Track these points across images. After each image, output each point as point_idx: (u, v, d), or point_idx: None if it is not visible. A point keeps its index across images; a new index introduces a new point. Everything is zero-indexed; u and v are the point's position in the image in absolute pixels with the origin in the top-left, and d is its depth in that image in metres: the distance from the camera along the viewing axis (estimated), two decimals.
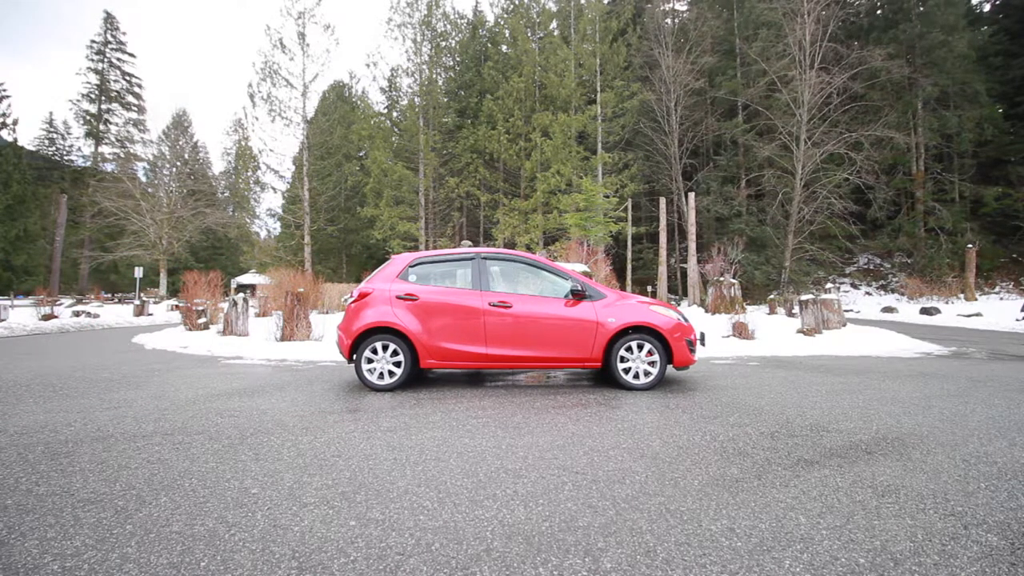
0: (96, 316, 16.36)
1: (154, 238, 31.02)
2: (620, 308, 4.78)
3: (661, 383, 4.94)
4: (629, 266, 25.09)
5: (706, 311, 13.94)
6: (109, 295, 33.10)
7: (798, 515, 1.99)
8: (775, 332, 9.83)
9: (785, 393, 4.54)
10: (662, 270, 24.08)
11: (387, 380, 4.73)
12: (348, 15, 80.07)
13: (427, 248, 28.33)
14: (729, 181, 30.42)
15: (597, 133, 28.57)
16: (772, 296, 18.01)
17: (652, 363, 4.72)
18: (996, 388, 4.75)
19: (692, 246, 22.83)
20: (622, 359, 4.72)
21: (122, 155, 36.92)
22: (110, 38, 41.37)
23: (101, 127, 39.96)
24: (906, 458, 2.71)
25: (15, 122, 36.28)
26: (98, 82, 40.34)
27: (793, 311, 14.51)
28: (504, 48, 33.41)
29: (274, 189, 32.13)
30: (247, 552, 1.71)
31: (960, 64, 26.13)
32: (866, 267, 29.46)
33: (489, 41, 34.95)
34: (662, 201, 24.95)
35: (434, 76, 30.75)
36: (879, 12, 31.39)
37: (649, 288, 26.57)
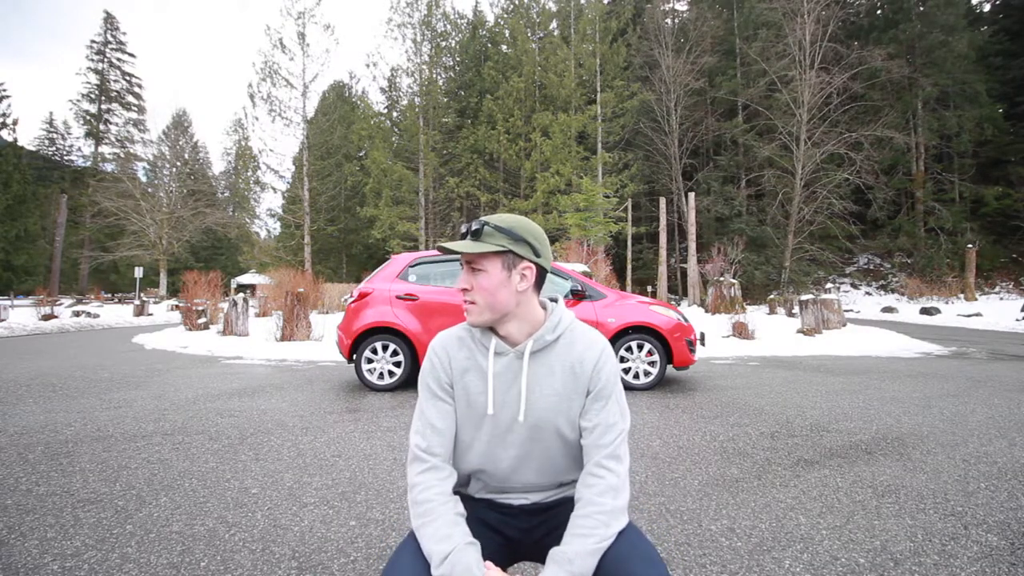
0: (96, 316, 16.36)
1: (154, 238, 31.01)
2: (620, 308, 4.78)
3: (661, 383, 4.94)
4: (629, 266, 25.08)
5: (706, 311, 13.94)
6: (109, 295, 33.08)
7: (798, 515, 1.99)
8: (775, 332, 9.83)
9: (785, 393, 4.54)
10: (662, 270, 24.07)
11: (387, 380, 4.73)
12: (348, 15, 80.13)
13: (427, 248, 28.32)
14: (729, 181, 30.40)
15: (597, 133, 28.56)
16: (772, 296, 18.00)
17: (652, 363, 4.72)
18: (996, 388, 4.75)
19: (692, 246, 22.82)
20: (622, 359, 4.72)
21: (122, 155, 36.90)
22: (110, 38, 41.40)
23: (101, 127, 39.98)
24: (906, 458, 2.71)
25: (15, 122, 36.33)
26: (98, 82, 40.36)
27: (793, 311, 14.51)
28: (504, 48, 33.37)
29: (274, 189, 32.06)
30: (247, 552, 1.71)
31: (960, 64, 26.12)
32: (866, 267, 29.45)
33: (489, 41, 34.93)
34: (662, 201, 24.94)
35: (434, 76, 30.72)
36: (879, 12, 31.39)
37: (649, 288, 26.55)
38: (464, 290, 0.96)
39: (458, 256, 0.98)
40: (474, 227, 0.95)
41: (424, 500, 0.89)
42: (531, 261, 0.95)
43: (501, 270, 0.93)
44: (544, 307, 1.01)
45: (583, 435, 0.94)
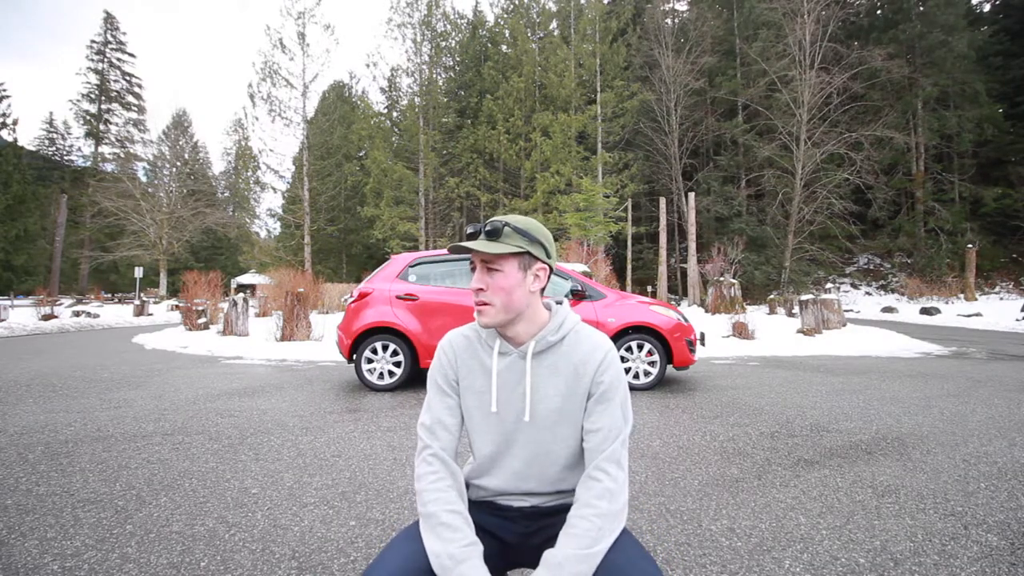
0: (96, 316, 16.36)
1: (154, 238, 31.03)
2: (620, 308, 4.78)
3: (661, 383, 4.94)
4: (629, 266, 25.08)
5: (706, 311, 13.94)
6: (109, 295, 33.08)
7: (798, 515, 1.99)
8: (775, 332, 9.82)
9: (785, 393, 4.54)
10: (662, 270, 24.06)
11: (387, 380, 4.73)
12: (348, 15, 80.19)
13: (427, 248, 28.31)
14: (729, 181, 30.40)
15: (597, 133, 28.56)
16: (772, 296, 18.00)
17: (652, 363, 4.72)
18: (996, 388, 4.75)
19: (692, 246, 22.82)
20: (622, 359, 4.72)
21: (122, 155, 36.92)
22: (110, 38, 41.37)
23: (101, 127, 39.95)
24: (906, 458, 2.71)
25: (15, 122, 36.30)
26: (98, 82, 40.33)
27: (793, 311, 14.50)
28: (504, 48, 33.36)
29: (274, 189, 32.05)
30: (247, 552, 1.71)
31: (960, 64, 26.12)
32: (866, 267, 29.44)
33: (489, 41, 34.92)
34: (662, 201, 24.94)
35: (434, 76, 30.73)
36: (879, 12, 31.37)
37: (649, 288, 26.54)
38: (479, 290, 0.94)
39: (459, 256, 1.01)
40: (489, 227, 0.94)
41: (427, 500, 0.89)
42: (544, 262, 0.96)
43: (518, 271, 0.93)
44: (549, 308, 1.01)
45: (585, 438, 0.93)
